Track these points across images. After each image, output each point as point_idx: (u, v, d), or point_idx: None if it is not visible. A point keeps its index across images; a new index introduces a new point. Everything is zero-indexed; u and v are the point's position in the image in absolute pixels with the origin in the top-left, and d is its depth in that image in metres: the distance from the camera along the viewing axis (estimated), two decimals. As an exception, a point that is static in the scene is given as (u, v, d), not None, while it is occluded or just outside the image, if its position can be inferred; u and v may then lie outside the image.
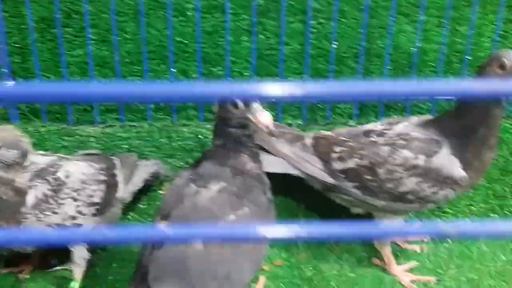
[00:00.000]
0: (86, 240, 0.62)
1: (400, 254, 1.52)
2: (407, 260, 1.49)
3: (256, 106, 1.03)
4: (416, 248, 1.54)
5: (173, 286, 0.96)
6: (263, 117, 1.02)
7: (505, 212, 1.65)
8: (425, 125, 1.32)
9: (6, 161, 1.16)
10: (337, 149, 1.36)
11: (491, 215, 1.66)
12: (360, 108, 1.59)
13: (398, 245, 1.55)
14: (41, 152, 1.33)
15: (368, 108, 1.60)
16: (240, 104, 1.04)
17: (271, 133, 1.05)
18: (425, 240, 1.58)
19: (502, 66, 1.14)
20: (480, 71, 1.21)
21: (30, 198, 1.16)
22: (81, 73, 1.53)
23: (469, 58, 1.55)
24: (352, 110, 1.58)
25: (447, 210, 1.65)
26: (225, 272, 0.99)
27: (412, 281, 1.42)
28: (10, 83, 1.51)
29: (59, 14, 1.46)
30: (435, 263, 1.50)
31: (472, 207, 1.66)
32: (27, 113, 1.57)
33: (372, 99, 1.53)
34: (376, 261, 1.48)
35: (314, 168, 1.39)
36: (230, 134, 1.07)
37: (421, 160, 1.26)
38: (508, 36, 1.55)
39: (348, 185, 1.35)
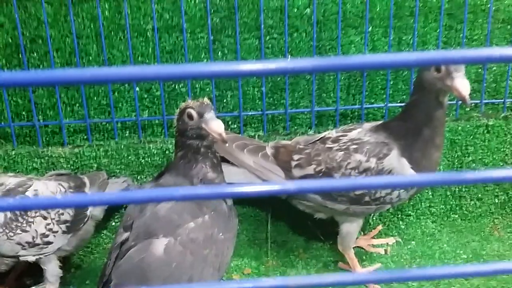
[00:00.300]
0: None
1: (365, 257, 1.58)
2: (372, 263, 1.56)
3: (209, 116, 1.09)
4: (381, 250, 1.61)
5: None
6: (215, 125, 1.08)
7: (464, 211, 1.74)
8: (376, 129, 1.38)
9: None
10: (296, 157, 1.43)
11: (452, 215, 1.74)
12: (318, 117, 1.67)
13: (363, 248, 1.62)
14: (11, 174, 1.38)
15: (325, 117, 1.68)
16: (194, 115, 1.10)
17: (223, 141, 1.10)
18: (390, 242, 1.66)
19: (438, 69, 1.20)
20: (419, 74, 1.29)
21: (0, 217, 1.20)
22: (48, 95, 1.58)
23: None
24: (310, 120, 1.66)
25: (409, 212, 1.73)
26: (186, 278, 1.04)
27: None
28: (-22, 109, 1.54)
29: (23, 40, 1.50)
30: (399, 264, 1.56)
31: (432, 209, 1.74)
32: (-4, 136, 1.60)
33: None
34: (342, 265, 1.54)
35: (275, 177, 1.45)
36: (189, 145, 1.13)
37: (372, 163, 1.33)
38: (450, 42, 1.64)
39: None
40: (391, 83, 1.65)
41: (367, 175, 1.34)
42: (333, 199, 1.39)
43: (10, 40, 1.53)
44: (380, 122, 1.44)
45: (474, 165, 1.69)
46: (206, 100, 1.13)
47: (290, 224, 1.68)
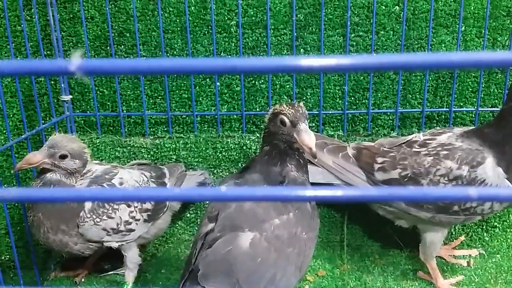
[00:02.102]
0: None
1: (446, 268, 1.50)
2: (453, 275, 1.47)
3: (302, 127, 1.05)
4: (463, 262, 1.52)
5: (221, 284, 1.00)
6: (308, 139, 1.04)
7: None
8: (468, 135, 1.30)
9: (69, 170, 1.25)
10: (380, 159, 1.37)
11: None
12: (401, 119, 1.60)
13: (444, 259, 1.54)
14: (96, 161, 1.43)
15: (409, 119, 1.61)
16: (288, 123, 1.06)
17: (314, 155, 1.05)
18: (473, 254, 1.56)
19: None
20: None
21: (88, 204, 1.24)
22: (132, 87, 1.62)
23: (512, 67, 1.54)
24: (394, 121, 1.59)
25: (495, 224, 1.62)
26: (271, 274, 1.03)
27: (455, 294, 1.40)
28: (67, 97, 1.61)
29: (112, 32, 1.55)
30: (483, 278, 1.46)
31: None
32: (83, 125, 1.67)
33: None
34: (421, 274, 1.47)
35: (356, 179, 1.40)
36: (276, 144, 1.12)
37: (465, 171, 1.25)
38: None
39: None
40: (483, 86, 1.55)
41: (457, 183, 1.26)
42: (418, 206, 1.32)
43: (100, 33, 1.58)
44: (472, 128, 1.35)
45: None
46: (301, 106, 1.08)
47: (367, 228, 1.63)
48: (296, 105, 1.08)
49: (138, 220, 1.32)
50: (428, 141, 1.34)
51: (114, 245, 1.30)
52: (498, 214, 1.60)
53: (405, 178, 1.32)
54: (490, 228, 1.62)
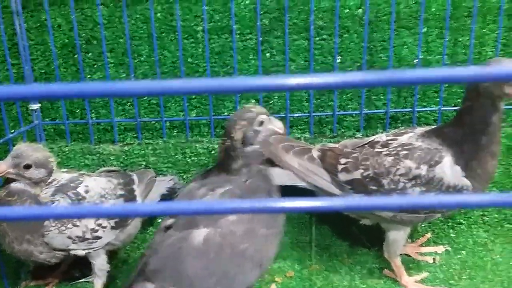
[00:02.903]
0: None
1: (412, 265, 1.53)
2: (419, 272, 1.50)
3: (271, 117, 1.17)
4: (429, 259, 1.55)
5: (171, 279, 1.02)
6: (280, 124, 1.17)
7: (519, 222, 1.65)
8: (429, 135, 1.33)
9: (34, 179, 1.25)
10: (343, 160, 1.40)
11: (506, 225, 1.66)
12: (367, 120, 1.63)
13: (410, 256, 1.56)
14: (64, 169, 1.43)
15: (374, 120, 1.64)
16: (266, 119, 1.16)
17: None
18: (439, 251, 1.59)
19: None
20: (473, 86, 1.23)
21: None
22: (101, 95, 1.63)
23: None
24: (359, 123, 1.62)
25: (461, 221, 1.65)
26: (223, 270, 1.05)
27: (420, 290, 1.43)
28: (36, 106, 1.61)
29: (79, 40, 1.56)
30: (448, 274, 1.49)
31: (485, 218, 1.66)
32: (53, 134, 1.67)
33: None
34: (387, 272, 1.49)
35: (321, 180, 1.42)
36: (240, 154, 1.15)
37: (423, 170, 1.28)
38: (510, 44, 1.56)
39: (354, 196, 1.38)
40: (445, 86, 1.58)
41: (416, 182, 1.29)
42: (380, 204, 1.35)
43: (67, 41, 1.59)
44: (433, 127, 1.38)
45: (532, 173, 1.60)
46: (247, 109, 1.17)
47: (335, 229, 1.65)
48: (252, 105, 1.18)
49: (105, 227, 1.33)
50: (390, 142, 1.37)
51: (81, 253, 1.31)
52: (463, 210, 1.64)
53: (366, 178, 1.34)
54: (455, 225, 1.66)
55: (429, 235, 1.66)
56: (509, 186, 1.63)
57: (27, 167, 1.24)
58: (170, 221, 1.10)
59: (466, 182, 1.26)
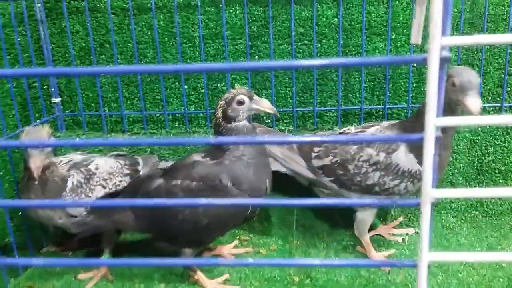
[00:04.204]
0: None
1: (383, 243, 1.72)
2: (388, 249, 1.69)
3: (256, 97, 1.34)
4: (399, 239, 1.74)
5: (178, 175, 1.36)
6: (266, 103, 1.33)
7: (485, 209, 1.83)
8: (392, 127, 1.53)
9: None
10: (316, 149, 1.60)
11: (473, 211, 1.84)
12: (344, 115, 1.84)
13: (383, 236, 1.76)
14: (79, 152, 1.68)
15: (351, 115, 1.85)
16: (246, 99, 1.33)
17: (276, 113, 1.35)
18: (409, 233, 1.79)
19: (454, 84, 1.30)
20: None
21: (69, 184, 1.50)
22: (112, 90, 1.88)
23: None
24: (337, 118, 1.83)
25: (430, 205, 1.84)
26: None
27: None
28: (57, 100, 1.88)
29: (93, 44, 1.82)
30: (413, 252, 1.67)
31: (454, 204, 1.84)
32: (71, 123, 1.93)
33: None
34: (359, 249, 1.69)
35: (298, 166, 1.63)
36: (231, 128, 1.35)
37: (381, 157, 1.48)
38: (471, 49, 1.75)
39: (325, 180, 1.58)
40: (414, 85, 1.78)
41: (377, 167, 1.49)
42: (347, 188, 1.55)
43: (83, 45, 1.84)
44: (397, 121, 1.58)
45: (493, 164, 1.78)
46: (244, 87, 1.37)
47: (317, 211, 1.86)
48: (239, 87, 1.37)
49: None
50: (358, 133, 1.57)
51: (92, 220, 1.56)
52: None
53: (335, 164, 1.55)
54: (425, 210, 1.84)
55: (401, 218, 1.86)
56: (473, 175, 1.81)
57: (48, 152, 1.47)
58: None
59: (419, 167, 1.45)
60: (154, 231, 1.48)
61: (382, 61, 0.62)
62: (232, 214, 1.38)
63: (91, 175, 1.54)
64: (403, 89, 1.80)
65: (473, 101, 1.27)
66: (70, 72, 0.64)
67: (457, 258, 0.61)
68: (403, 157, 1.46)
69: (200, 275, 1.51)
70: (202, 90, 1.84)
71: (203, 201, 0.64)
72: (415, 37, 0.52)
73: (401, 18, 1.72)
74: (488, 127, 1.75)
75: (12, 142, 0.75)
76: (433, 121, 0.52)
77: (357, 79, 1.80)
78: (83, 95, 1.90)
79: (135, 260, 0.81)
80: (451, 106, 1.34)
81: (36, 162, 1.36)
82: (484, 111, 1.79)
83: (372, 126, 1.58)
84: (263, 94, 1.83)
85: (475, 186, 1.82)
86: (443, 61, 0.52)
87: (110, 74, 1.79)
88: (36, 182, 1.42)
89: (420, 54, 0.53)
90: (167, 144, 0.63)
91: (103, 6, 1.78)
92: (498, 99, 1.79)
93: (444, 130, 1.40)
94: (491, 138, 1.75)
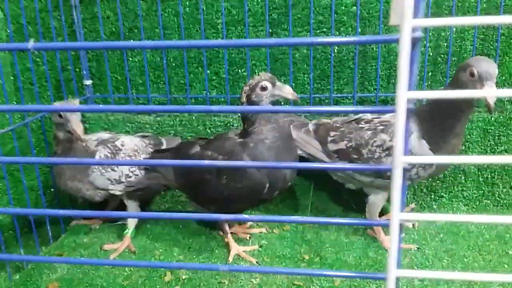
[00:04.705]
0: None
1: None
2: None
3: (279, 84, 1.40)
4: (409, 224, 1.79)
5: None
6: (288, 89, 1.40)
7: (496, 198, 1.86)
8: (405, 114, 1.58)
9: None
10: (332, 133, 1.67)
11: (484, 200, 1.87)
12: (360, 102, 1.90)
13: (394, 221, 1.82)
14: (108, 132, 1.80)
15: (367, 102, 1.90)
16: (269, 85, 1.40)
17: (297, 99, 1.40)
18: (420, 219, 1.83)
19: (472, 74, 1.33)
20: (457, 72, 1.40)
21: (97, 158, 1.61)
22: (139, 74, 1.98)
23: (453, 59, 1.81)
24: (352, 104, 1.89)
25: (443, 194, 1.89)
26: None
27: (395, 246, 1.68)
28: (88, 82, 1.99)
29: (123, 29, 1.92)
30: (422, 237, 1.72)
31: (465, 193, 1.88)
32: (101, 105, 2.04)
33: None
34: (369, 232, 1.75)
35: (314, 150, 1.70)
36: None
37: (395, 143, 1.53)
38: (487, 39, 1.78)
39: (340, 163, 1.65)
40: (429, 74, 1.82)
41: (389, 152, 1.55)
42: (360, 171, 1.61)
43: (114, 29, 1.95)
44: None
45: (506, 154, 1.81)
46: (268, 73, 1.44)
47: (330, 195, 1.93)
48: (264, 73, 1.44)
49: (137, 175, 1.68)
50: (373, 119, 1.62)
51: (118, 193, 1.67)
52: (445, 185, 1.87)
53: (350, 148, 1.61)
54: (438, 198, 1.89)
55: (413, 205, 1.91)
56: (485, 164, 1.85)
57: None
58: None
59: (430, 153, 1.50)
60: (187, 191, 1.65)
61: (358, 41, 0.69)
62: (250, 189, 1.46)
63: (117, 151, 1.65)
64: (418, 77, 1.84)
65: (490, 91, 1.29)
66: (99, 46, 0.73)
67: (425, 276, 0.68)
68: (415, 143, 1.50)
69: (229, 238, 1.65)
70: (224, 76, 1.93)
71: (221, 163, 0.72)
72: (394, 19, 0.59)
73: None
74: (501, 117, 1.78)
75: (48, 106, 0.83)
76: (404, 94, 0.59)
77: (373, 66, 1.85)
78: (113, 78, 2.01)
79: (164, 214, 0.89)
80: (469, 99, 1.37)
81: (77, 124, 1.49)
82: (500, 101, 1.82)
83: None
84: (282, 80, 1.89)
85: (487, 175, 1.85)
86: (415, 40, 0.58)
87: (134, 48, 1.90)
88: (73, 148, 1.56)
89: (394, 34, 0.59)
90: (169, 111, 0.71)
91: (132, -7, 1.88)
92: (514, 89, 1.81)
93: (456, 119, 1.45)
94: (504, 128, 1.78)
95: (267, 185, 1.44)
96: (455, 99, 1.40)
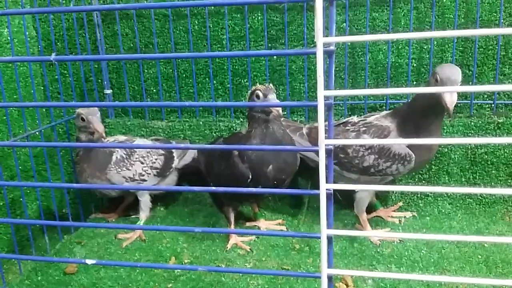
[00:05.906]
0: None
1: (381, 224, 1.93)
2: (384, 227, 1.89)
3: (271, 97, 1.58)
4: (396, 220, 1.94)
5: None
6: (274, 103, 1.55)
7: (479, 197, 1.99)
8: (387, 116, 1.74)
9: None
10: (322, 136, 1.85)
11: (467, 199, 2.01)
12: (351, 109, 2.08)
13: (382, 218, 1.96)
14: (124, 135, 2.03)
15: (358, 109, 2.08)
16: (261, 95, 1.59)
17: (279, 115, 1.58)
18: (407, 216, 1.99)
19: (436, 80, 1.50)
20: (427, 82, 1.59)
21: (114, 158, 1.84)
22: (154, 84, 2.22)
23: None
24: (343, 111, 2.07)
25: (428, 193, 2.02)
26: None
27: (379, 239, 1.83)
28: (109, 91, 2.24)
29: (139, 45, 2.16)
30: (406, 231, 1.85)
31: (449, 193, 2.01)
32: (119, 111, 2.29)
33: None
34: (358, 226, 1.91)
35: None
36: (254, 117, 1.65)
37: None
38: (466, 51, 1.95)
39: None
40: (414, 83, 2.00)
41: (371, 151, 1.71)
42: (347, 169, 1.79)
43: (132, 45, 2.19)
44: (392, 110, 1.78)
45: (486, 156, 1.95)
46: (270, 85, 1.62)
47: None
48: (266, 84, 1.62)
49: (149, 174, 1.90)
50: (359, 122, 1.80)
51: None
52: (430, 185, 2.02)
53: (337, 148, 1.78)
54: (424, 196, 2.03)
55: (400, 203, 2.05)
56: (467, 165, 1.99)
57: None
58: None
59: (409, 151, 1.66)
60: (206, 170, 1.87)
61: (283, 53, 0.89)
62: (235, 177, 1.66)
63: (132, 152, 1.87)
64: (403, 86, 2.01)
65: (449, 96, 1.46)
66: (118, 57, 0.94)
67: (357, 274, 0.87)
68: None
69: (232, 226, 1.85)
70: (228, 85, 2.14)
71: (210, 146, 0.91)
72: (316, 37, 0.78)
73: (402, 23, 1.95)
74: (480, 122, 1.93)
75: (74, 102, 1.04)
76: (322, 92, 0.78)
77: (362, 76, 2.03)
78: (130, 88, 2.25)
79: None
80: (435, 99, 1.52)
81: (99, 124, 1.73)
82: (481, 108, 1.97)
83: (373, 115, 1.81)
84: (280, 89, 2.11)
85: (469, 176, 1.99)
86: (329, 53, 0.78)
87: (149, 59, 2.13)
88: (93, 149, 1.78)
89: (313, 48, 0.79)
90: (159, 106, 0.91)
91: (147, 13, 2.13)
92: (493, 97, 1.97)
93: (430, 120, 1.60)
94: (484, 132, 1.93)
95: (250, 177, 1.64)
96: (427, 102, 1.56)
